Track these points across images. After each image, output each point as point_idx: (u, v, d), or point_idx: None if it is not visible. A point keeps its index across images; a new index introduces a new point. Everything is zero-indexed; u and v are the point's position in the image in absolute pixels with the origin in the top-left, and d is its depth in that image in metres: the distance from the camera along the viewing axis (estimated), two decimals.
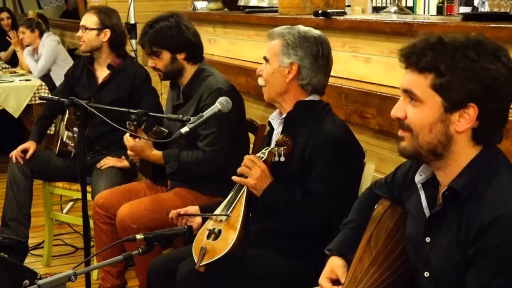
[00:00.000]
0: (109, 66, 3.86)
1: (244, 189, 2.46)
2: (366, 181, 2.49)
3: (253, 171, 2.40)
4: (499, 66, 1.61)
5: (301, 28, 2.51)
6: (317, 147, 2.38)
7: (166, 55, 3.14)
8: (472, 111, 1.62)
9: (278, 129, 2.55)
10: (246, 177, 2.43)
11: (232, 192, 2.51)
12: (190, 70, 3.18)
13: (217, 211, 2.52)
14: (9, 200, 3.90)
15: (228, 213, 2.44)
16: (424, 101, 1.66)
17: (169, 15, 3.21)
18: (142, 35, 3.19)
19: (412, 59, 1.66)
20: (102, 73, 3.91)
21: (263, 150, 2.46)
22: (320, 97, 2.54)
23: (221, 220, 2.45)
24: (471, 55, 1.61)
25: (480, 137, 1.67)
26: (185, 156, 3.05)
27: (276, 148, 2.41)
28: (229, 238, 2.36)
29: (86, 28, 3.86)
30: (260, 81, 2.53)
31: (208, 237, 2.41)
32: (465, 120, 1.63)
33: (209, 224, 2.49)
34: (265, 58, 2.53)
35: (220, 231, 2.41)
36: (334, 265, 1.97)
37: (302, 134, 2.43)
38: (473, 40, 1.65)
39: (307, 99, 2.50)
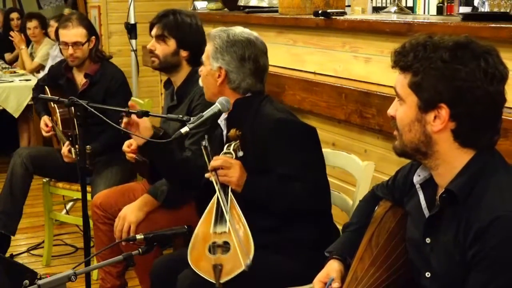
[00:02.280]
0: (86, 75, 3.83)
1: (229, 195, 2.40)
2: (366, 181, 2.49)
3: (232, 169, 2.40)
4: (475, 68, 1.61)
5: (232, 31, 2.54)
6: (264, 136, 2.42)
7: (172, 45, 3.13)
8: (444, 112, 1.64)
9: (225, 130, 2.59)
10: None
11: (215, 202, 2.42)
12: (185, 70, 3.17)
13: (210, 225, 2.38)
14: (5, 193, 3.90)
15: (228, 221, 2.32)
16: (405, 100, 1.70)
17: (192, 14, 3.22)
18: (161, 16, 3.16)
19: (396, 59, 1.71)
20: (81, 79, 3.88)
21: (225, 150, 2.46)
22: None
23: (224, 232, 2.33)
24: (445, 56, 1.63)
25: (462, 139, 1.66)
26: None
27: (234, 144, 2.45)
28: (245, 247, 2.26)
29: (79, 44, 3.76)
30: (200, 82, 2.64)
31: (213, 252, 2.30)
32: (439, 120, 1.65)
33: (207, 239, 2.35)
34: (201, 60, 2.61)
35: (226, 243, 2.31)
36: (331, 268, 1.98)
37: (247, 128, 2.46)
38: (458, 42, 1.66)
39: (245, 96, 2.55)
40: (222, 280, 2.23)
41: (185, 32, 3.13)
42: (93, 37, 3.83)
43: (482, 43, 1.67)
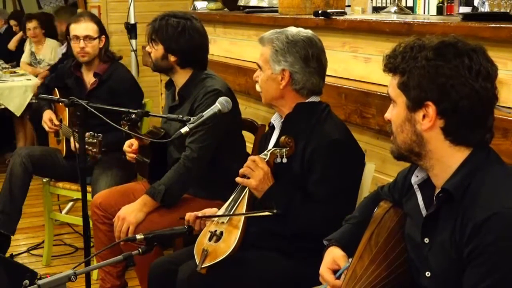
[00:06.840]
0: (95, 74, 3.84)
1: (246, 191, 2.46)
2: (367, 181, 2.49)
3: (256, 172, 2.40)
4: (458, 65, 1.62)
5: (289, 31, 2.49)
6: (317, 150, 2.38)
7: (160, 49, 3.11)
8: (431, 110, 1.66)
9: (277, 130, 2.56)
10: (248, 178, 2.43)
11: (234, 194, 2.51)
12: (183, 73, 3.14)
13: (219, 213, 2.52)
14: (4, 192, 3.91)
15: (231, 214, 2.43)
16: (396, 101, 1.73)
17: (185, 16, 3.16)
18: (153, 20, 3.15)
19: (386, 62, 1.74)
20: (90, 79, 3.89)
21: (265, 152, 2.45)
22: (319, 97, 2.54)
23: (223, 222, 2.44)
24: (429, 55, 1.65)
25: (452, 136, 1.67)
26: (167, 175, 3.02)
27: (279, 150, 2.40)
28: (231, 240, 2.35)
29: (90, 38, 3.81)
30: (257, 87, 2.55)
31: (210, 239, 2.40)
32: (428, 118, 1.66)
33: (211, 226, 2.48)
34: (258, 65, 2.53)
35: (221, 233, 2.40)
36: (336, 255, 1.97)
37: (302, 136, 2.43)
38: (444, 41, 1.67)
39: (306, 101, 2.50)
40: (203, 265, 2.32)
41: (171, 37, 3.08)
42: (103, 36, 3.86)
43: (470, 42, 1.68)
